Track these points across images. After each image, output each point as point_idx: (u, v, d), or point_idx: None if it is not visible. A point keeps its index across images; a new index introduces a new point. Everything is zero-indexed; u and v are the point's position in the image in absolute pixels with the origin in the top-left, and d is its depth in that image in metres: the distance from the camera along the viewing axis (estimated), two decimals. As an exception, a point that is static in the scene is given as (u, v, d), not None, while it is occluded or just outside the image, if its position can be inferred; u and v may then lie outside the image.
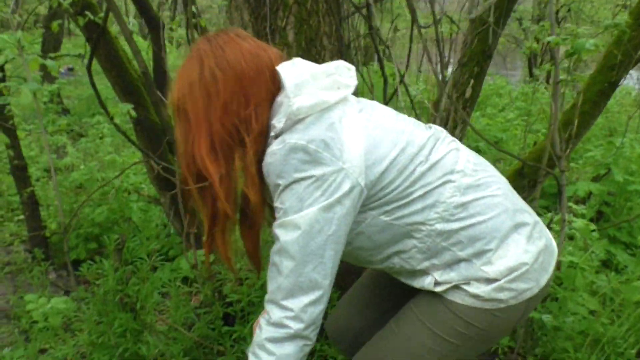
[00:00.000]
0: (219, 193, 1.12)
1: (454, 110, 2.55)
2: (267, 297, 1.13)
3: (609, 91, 2.76)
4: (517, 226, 1.17)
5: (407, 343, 1.23)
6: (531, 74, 11.21)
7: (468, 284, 1.15)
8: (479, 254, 1.14)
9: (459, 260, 1.15)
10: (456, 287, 1.16)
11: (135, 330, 1.75)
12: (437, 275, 1.18)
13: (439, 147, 1.19)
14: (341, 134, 1.09)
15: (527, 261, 1.14)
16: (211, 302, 2.11)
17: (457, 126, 3.22)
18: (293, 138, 1.06)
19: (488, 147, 4.07)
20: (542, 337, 2.12)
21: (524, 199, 1.26)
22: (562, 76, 2.12)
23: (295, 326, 1.09)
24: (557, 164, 2.10)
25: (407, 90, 2.18)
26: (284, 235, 1.07)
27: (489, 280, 1.13)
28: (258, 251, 1.31)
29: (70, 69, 9.58)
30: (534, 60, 10.70)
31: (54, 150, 4.95)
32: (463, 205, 1.14)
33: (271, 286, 1.11)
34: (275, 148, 1.07)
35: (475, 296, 1.14)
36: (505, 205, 1.17)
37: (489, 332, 1.19)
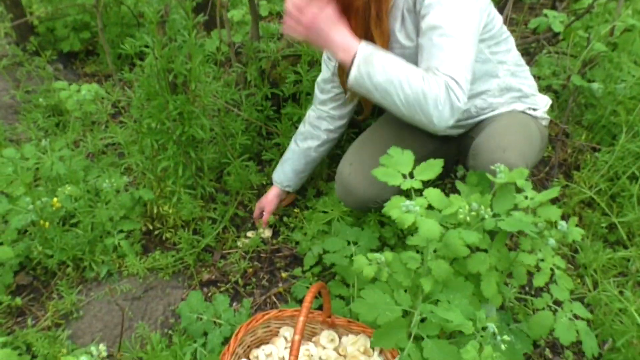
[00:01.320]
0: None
1: None
2: (424, 67, 1.25)
3: None
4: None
5: (525, 128, 1.48)
6: None
7: (533, 110, 1.59)
8: (533, 94, 1.60)
9: (526, 95, 1.57)
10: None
11: (189, 112, 1.63)
12: (516, 106, 1.57)
13: None
14: None
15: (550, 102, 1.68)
16: (247, 83, 1.97)
17: None
18: None
19: None
20: (590, 105, 2.13)
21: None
22: None
23: (460, 95, 1.21)
24: None
25: None
26: (447, 20, 1.24)
27: (540, 110, 1.60)
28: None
29: None
30: None
31: None
32: (520, 57, 1.58)
33: (433, 61, 1.23)
34: None
35: (539, 116, 1.59)
36: None
37: (541, 146, 1.56)
